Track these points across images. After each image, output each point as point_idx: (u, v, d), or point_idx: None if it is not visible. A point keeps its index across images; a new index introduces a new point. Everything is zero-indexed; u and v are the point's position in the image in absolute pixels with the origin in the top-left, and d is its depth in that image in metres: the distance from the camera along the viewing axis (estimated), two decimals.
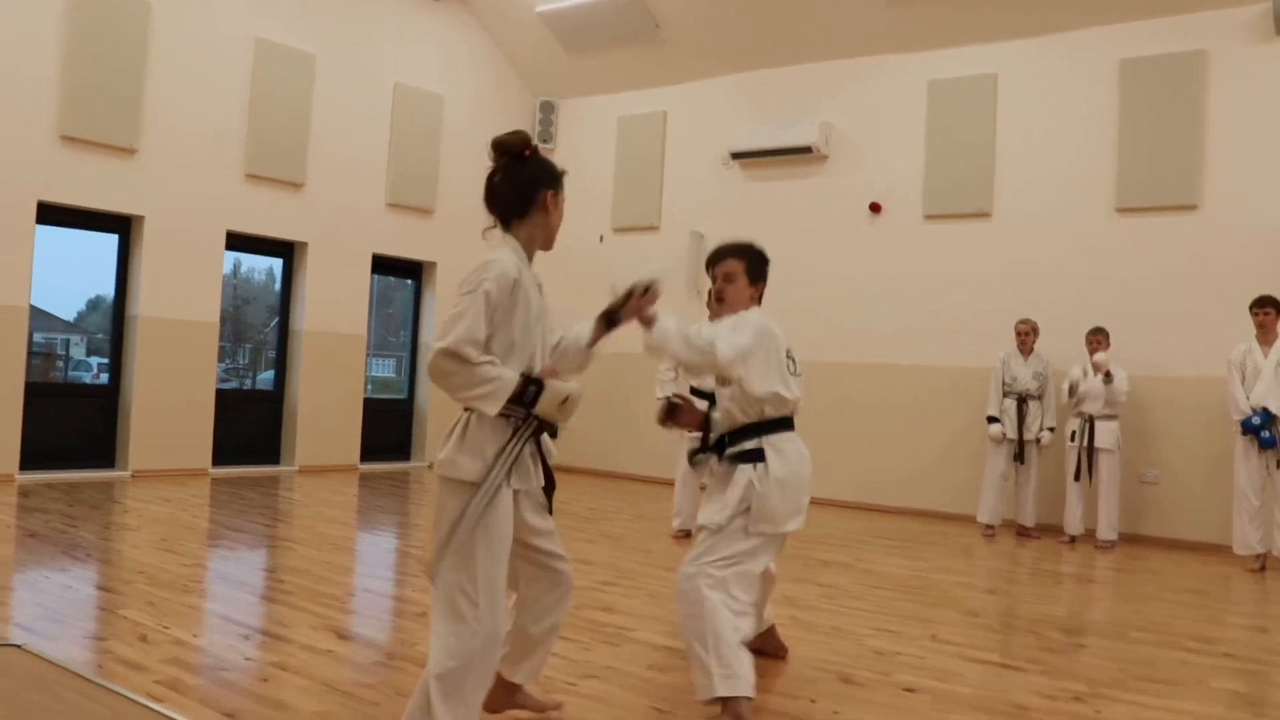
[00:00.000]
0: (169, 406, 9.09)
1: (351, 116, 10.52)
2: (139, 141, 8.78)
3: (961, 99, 9.64)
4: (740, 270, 3.74)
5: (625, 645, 4.40)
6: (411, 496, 9.34)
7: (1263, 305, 7.43)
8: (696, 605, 3.37)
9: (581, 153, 12.24)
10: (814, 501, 10.05)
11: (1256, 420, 7.25)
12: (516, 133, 2.93)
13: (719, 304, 3.79)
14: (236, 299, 10.66)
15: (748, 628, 3.44)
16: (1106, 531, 8.07)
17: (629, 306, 3.10)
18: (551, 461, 2.96)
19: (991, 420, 8.60)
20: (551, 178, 2.94)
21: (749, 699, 3.30)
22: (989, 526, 8.50)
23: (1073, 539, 8.23)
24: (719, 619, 3.32)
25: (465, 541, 2.69)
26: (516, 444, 2.76)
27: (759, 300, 3.77)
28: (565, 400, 2.75)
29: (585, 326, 3.11)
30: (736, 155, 10.77)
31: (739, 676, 3.28)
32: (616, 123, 11.98)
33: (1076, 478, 8.19)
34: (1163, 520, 8.42)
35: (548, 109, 12.51)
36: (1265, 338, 7.43)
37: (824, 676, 4.02)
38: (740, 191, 10.93)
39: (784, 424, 3.63)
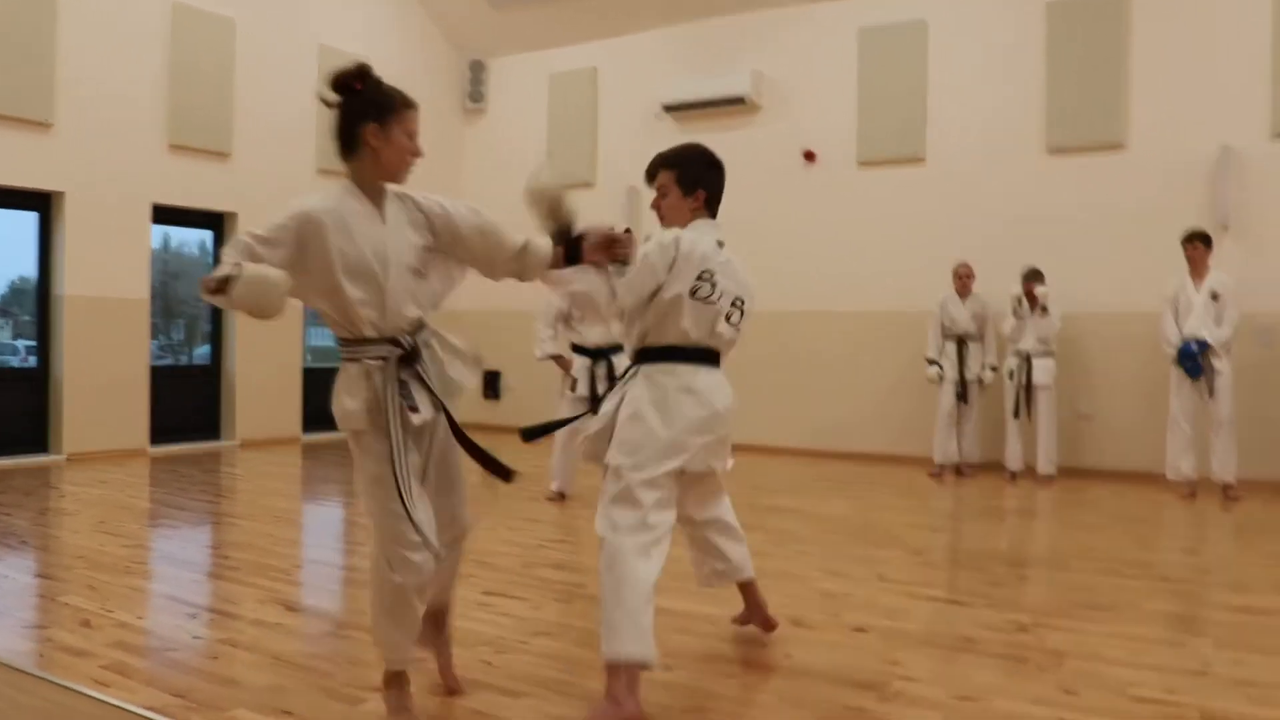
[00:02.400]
0: (102, 386, 8.90)
1: (276, 82, 10.28)
2: (54, 115, 8.51)
3: (892, 45, 9.65)
4: (672, 181, 3.36)
5: (576, 601, 4.41)
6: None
7: (1192, 240, 7.57)
8: (603, 555, 3.09)
9: (513, 111, 12.12)
10: (760, 450, 10.13)
11: (1194, 348, 7.38)
12: (353, 64, 2.89)
13: (660, 223, 3.41)
14: (167, 274, 10.43)
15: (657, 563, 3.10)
16: (1046, 466, 8.24)
17: (599, 245, 3.07)
18: (453, 395, 2.95)
19: (930, 363, 8.71)
20: (377, 110, 2.85)
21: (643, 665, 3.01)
22: (938, 467, 8.62)
23: (1014, 475, 8.39)
24: (615, 570, 3.03)
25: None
26: (385, 386, 2.78)
27: (706, 210, 3.38)
28: (264, 279, 2.53)
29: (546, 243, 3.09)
30: (669, 108, 10.71)
31: (642, 640, 2.97)
32: (548, 80, 11.84)
33: (1016, 415, 8.34)
34: (1099, 452, 8.61)
35: (477, 69, 12.33)
36: (1196, 271, 7.57)
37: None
38: (674, 143, 10.83)
39: (669, 353, 3.22)
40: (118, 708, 3.03)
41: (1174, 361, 7.57)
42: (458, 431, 2.97)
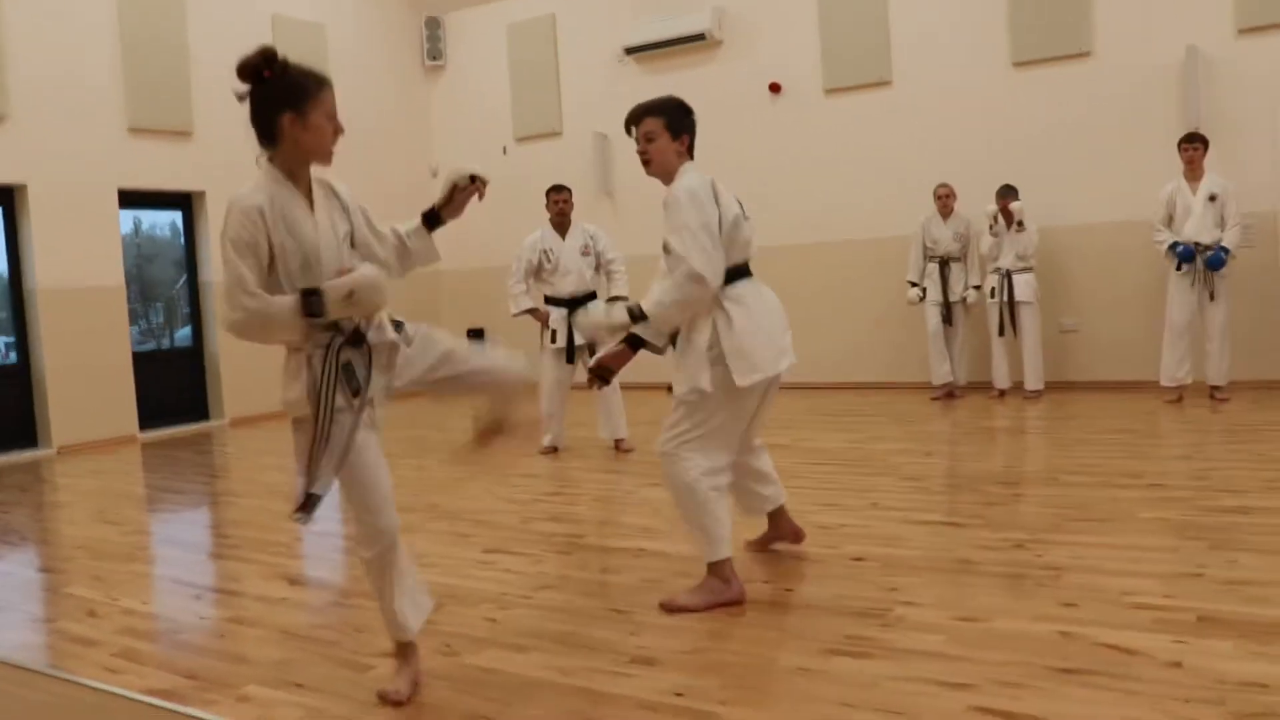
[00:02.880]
0: (85, 377, 8.85)
1: (232, 56, 9.94)
2: (8, 105, 8.36)
3: None
4: (660, 128, 3.61)
5: (576, 553, 4.44)
6: None
7: (1190, 141, 7.49)
8: (675, 481, 3.56)
9: (474, 66, 11.98)
10: None
11: (1187, 247, 7.37)
12: (257, 50, 2.78)
13: (646, 168, 3.66)
14: (141, 257, 10.33)
15: (724, 482, 3.61)
16: (1033, 382, 8.28)
17: (454, 203, 3.18)
18: (397, 380, 2.98)
19: (912, 285, 8.72)
20: (292, 97, 2.75)
21: (728, 558, 3.55)
22: (939, 389, 8.66)
23: (1001, 393, 8.44)
24: (695, 493, 3.51)
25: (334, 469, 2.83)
26: (328, 368, 2.76)
27: (688, 153, 3.67)
28: (350, 294, 2.65)
29: (414, 224, 3.21)
30: (630, 50, 10.59)
31: (718, 540, 3.52)
32: (506, 31, 11.68)
33: (1001, 333, 8.37)
34: (1084, 365, 8.67)
35: (434, 25, 12.15)
36: (1193, 174, 7.52)
37: (773, 556, 4.11)
38: (639, 86, 10.70)
39: (736, 273, 3.57)
40: (123, 697, 3.05)
41: (1174, 257, 7.47)
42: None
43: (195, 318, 10.11)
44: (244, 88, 2.78)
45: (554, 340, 6.97)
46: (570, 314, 6.89)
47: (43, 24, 8.62)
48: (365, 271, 2.72)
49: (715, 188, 3.56)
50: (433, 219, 3.20)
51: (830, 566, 3.95)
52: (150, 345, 10.22)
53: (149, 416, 9.35)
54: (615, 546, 4.51)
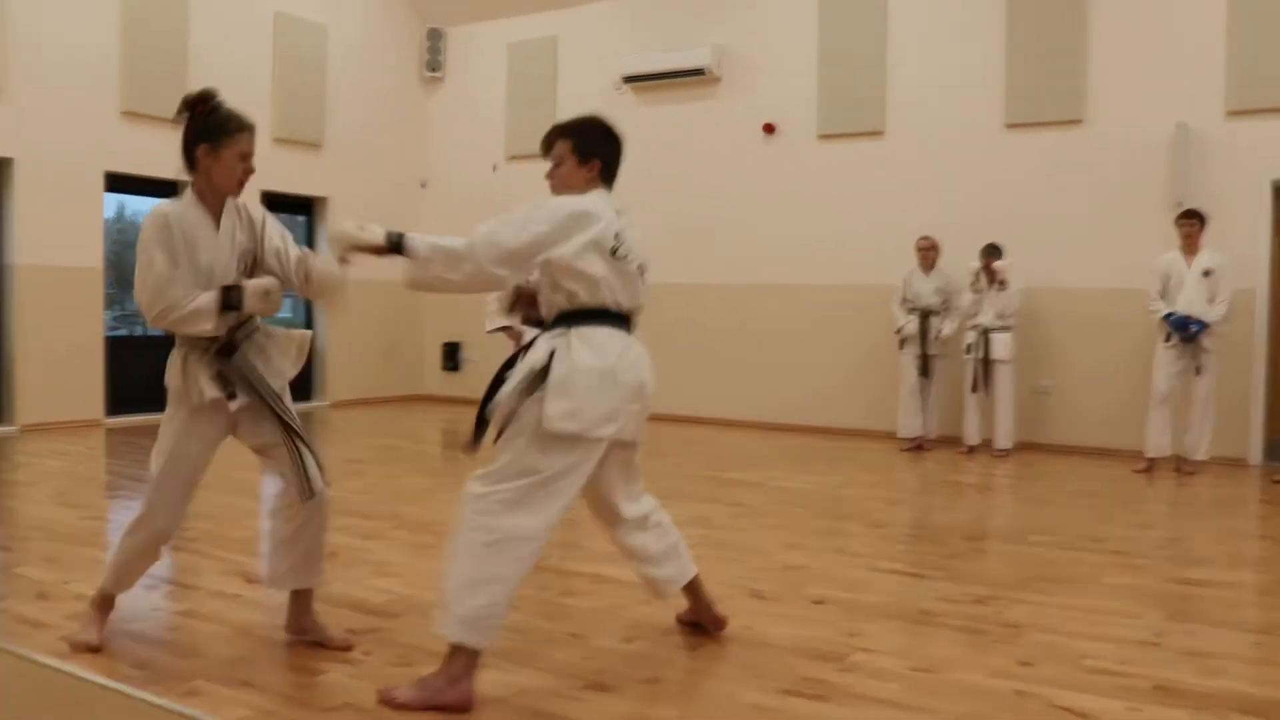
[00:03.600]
0: (55, 357, 8.76)
1: (232, 49, 10.10)
2: (4, 79, 8.32)
3: (852, 18, 9.65)
4: (568, 151, 3.23)
5: (537, 574, 4.38)
6: (317, 434, 9.19)
7: (1189, 218, 7.55)
8: (461, 530, 2.97)
9: (472, 80, 12.02)
10: (722, 423, 10.17)
11: (1176, 316, 7.42)
12: (195, 91, 3.21)
13: (553, 193, 3.24)
14: (121, 243, 10.25)
15: (528, 559, 3.01)
16: (1003, 440, 8.33)
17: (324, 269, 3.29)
18: (278, 378, 3.30)
19: (898, 332, 8.74)
20: (208, 133, 3.13)
21: (475, 651, 2.93)
22: (910, 441, 8.69)
23: (971, 449, 8.48)
24: (469, 548, 2.94)
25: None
26: (191, 364, 3.19)
27: (602, 180, 3.25)
28: (266, 292, 3.18)
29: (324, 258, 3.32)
30: (629, 79, 10.66)
31: (471, 624, 2.90)
32: (506, 49, 11.73)
33: (975, 389, 8.43)
34: (1056, 428, 8.72)
35: (435, 36, 12.19)
36: (1189, 248, 7.57)
37: (734, 593, 4.09)
38: (634, 116, 10.79)
39: (601, 316, 3.10)
40: (78, 678, 3.00)
41: (1166, 328, 7.50)
42: (283, 419, 3.28)
43: None
44: (180, 117, 3.18)
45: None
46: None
47: (46, 1, 8.59)
48: (271, 280, 3.20)
49: (606, 226, 3.06)
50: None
51: (791, 606, 3.95)
52: (123, 331, 10.13)
53: (118, 402, 9.26)
54: (577, 570, 4.48)
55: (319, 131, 11.02)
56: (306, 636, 3.39)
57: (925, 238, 8.76)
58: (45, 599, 3.83)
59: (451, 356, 12.04)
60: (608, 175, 3.28)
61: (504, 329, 7.01)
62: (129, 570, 3.36)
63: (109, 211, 9.55)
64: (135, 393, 9.52)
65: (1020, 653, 3.42)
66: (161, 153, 9.43)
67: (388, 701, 2.87)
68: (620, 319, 3.15)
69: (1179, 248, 7.63)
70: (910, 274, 8.80)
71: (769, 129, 10.07)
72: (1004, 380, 8.33)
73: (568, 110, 11.30)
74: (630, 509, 3.39)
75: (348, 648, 3.34)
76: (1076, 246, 8.59)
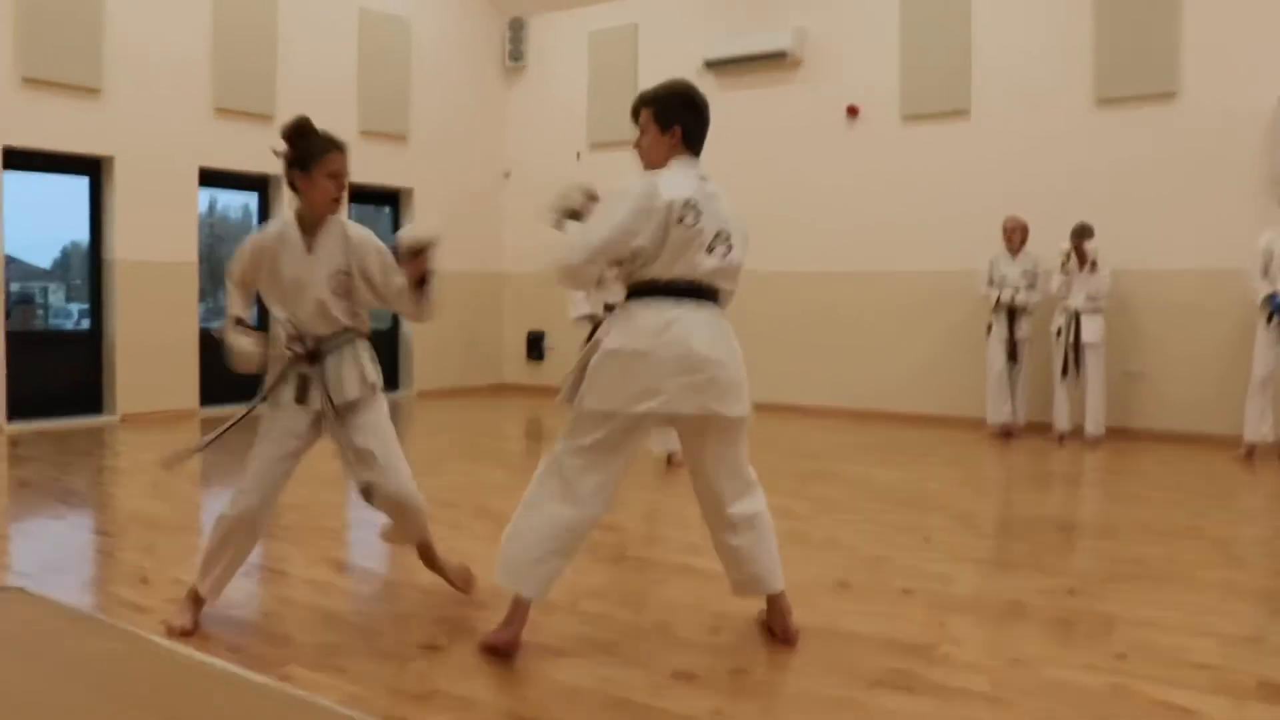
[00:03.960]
0: (153, 349, 9.03)
1: (318, 44, 10.29)
2: (102, 80, 8.58)
3: None
4: (649, 119, 3.27)
5: (622, 565, 4.44)
6: (402, 426, 9.33)
7: None
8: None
9: (554, 70, 12.07)
10: (805, 411, 10.07)
11: None
12: (294, 120, 3.42)
13: (641, 162, 3.34)
14: (213, 237, 10.53)
15: (569, 516, 3.19)
16: (1094, 427, 8.13)
17: (408, 268, 3.40)
18: (339, 394, 3.48)
19: (994, 299, 8.57)
20: (301, 159, 3.38)
21: (527, 598, 3.24)
22: (998, 428, 8.55)
23: (1062, 436, 8.30)
24: (524, 507, 3.29)
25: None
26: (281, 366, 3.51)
27: (685, 147, 3.26)
28: (237, 352, 3.45)
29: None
30: (710, 64, 10.60)
31: (520, 572, 3.21)
32: (587, 37, 11.76)
33: (1065, 374, 8.24)
34: (1149, 413, 8.49)
35: (517, 26, 12.27)
36: None
37: (819, 586, 4.06)
38: (716, 101, 10.46)
39: (652, 289, 3.14)
40: (187, 657, 3.09)
41: (1267, 309, 7.24)
42: (337, 428, 3.54)
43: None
44: (282, 147, 3.40)
45: None
46: None
47: (141, 3, 8.83)
48: (240, 343, 3.44)
49: (678, 199, 3.09)
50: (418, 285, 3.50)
51: (877, 599, 3.90)
52: (216, 323, 10.40)
53: (211, 393, 9.51)
54: (661, 561, 4.49)
55: (403, 124, 11.17)
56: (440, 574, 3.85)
57: (1012, 218, 8.57)
58: (146, 584, 3.96)
59: (535, 346, 12.14)
60: (691, 141, 3.28)
61: (589, 317, 7.05)
62: (211, 559, 3.48)
63: (202, 206, 9.79)
64: (227, 384, 9.76)
65: (1114, 647, 3.34)
66: (252, 148, 9.71)
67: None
68: (677, 290, 3.14)
69: None
70: (996, 257, 8.62)
71: (852, 112, 9.94)
72: (1094, 365, 8.12)
73: None
74: (734, 506, 3.32)
75: (466, 588, 3.81)
76: (1170, 226, 8.33)
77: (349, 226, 3.50)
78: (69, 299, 9.67)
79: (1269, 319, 7.26)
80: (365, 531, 5.15)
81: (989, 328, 8.60)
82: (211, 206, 10.45)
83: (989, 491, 6.48)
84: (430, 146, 11.39)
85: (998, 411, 8.53)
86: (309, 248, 3.43)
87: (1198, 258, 8.14)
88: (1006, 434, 8.51)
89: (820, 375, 9.94)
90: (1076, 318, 8.13)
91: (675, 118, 3.26)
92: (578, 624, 3.55)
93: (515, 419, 10.01)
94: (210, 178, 9.62)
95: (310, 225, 3.45)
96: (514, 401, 11.24)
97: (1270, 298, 7.21)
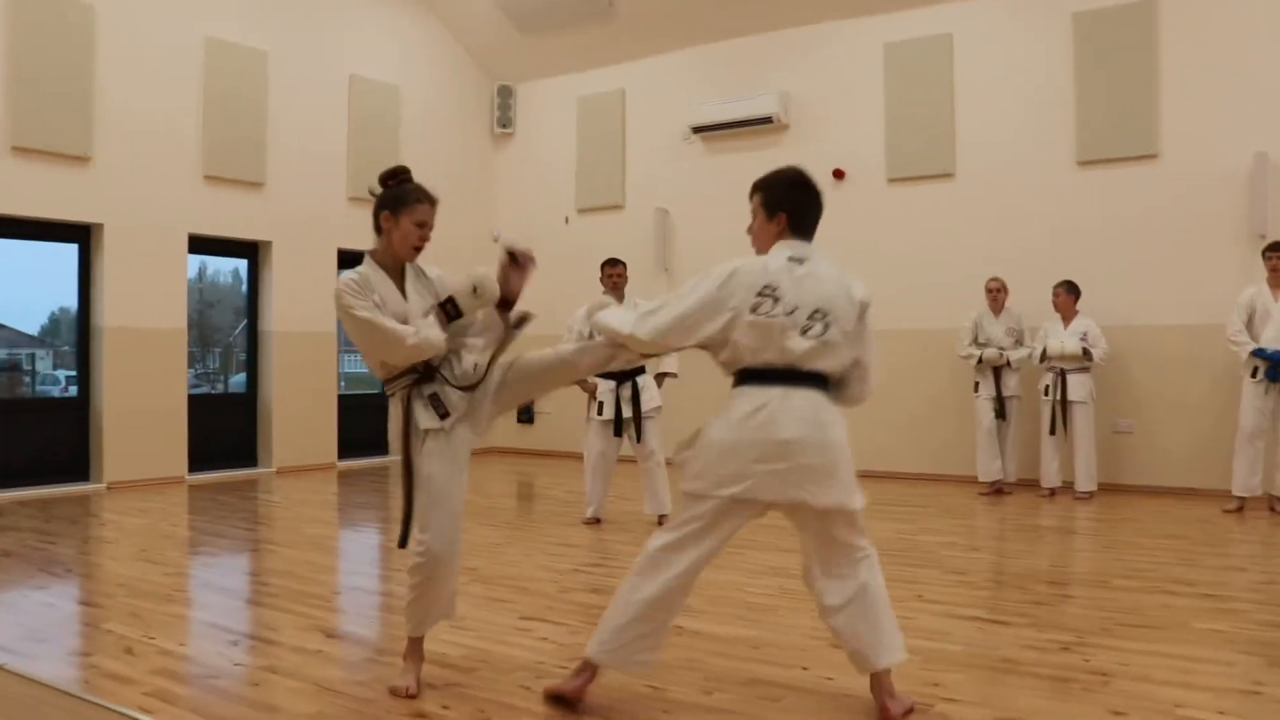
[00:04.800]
0: (141, 416, 9.00)
1: (308, 112, 10.40)
2: (92, 148, 8.65)
3: (918, 60, 9.65)
4: (757, 205, 3.38)
5: None
6: (391, 490, 9.29)
7: (1276, 250, 7.40)
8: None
9: (542, 135, 12.21)
10: None
11: (1270, 351, 7.24)
12: (395, 166, 3.57)
13: (753, 247, 3.42)
14: (203, 302, 10.55)
15: (653, 591, 3.18)
16: (1085, 483, 8.14)
17: (504, 278, 3.55)
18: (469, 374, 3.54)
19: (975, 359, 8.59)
20: (393, 202, 3.48)
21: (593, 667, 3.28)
22: (988, 485, 8.54)
23: (1051, 491, 8.29)
24: (625, 585, 3.27)
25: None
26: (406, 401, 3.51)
27: (792, 231, 3.31)
28: (473, 288, 3.42)
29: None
30: (697, 129, 10.75)
31: (604, 643, 3.24)
32: (576, 103, 11.92)
33: (1052, 431, 8.26)
34: (1139, 468, 8.51)
35: (505, 93, 12.43)
36: (1276, 281, 7.39)
37: (814, 644, 4.03)
38: (703, 165, 10.91)
39: (745, 375, 3.20)
40: None
41: (1254, 362, 7.31)
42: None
43: (251, 364, 10.26)
44: (378, 189, 3.54)
45: (600, 412, 7.01)
46: (619, 387, 6.94)
47: (132, 71, 8.95)
48: (477, 270, 3.43)
49: (749, 277, 3.17)
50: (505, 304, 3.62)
51: None
52: (205, 389, 10.39)
53: (198, 459, 9.47)
54: None
55: None
56: None
57: (994, 279, 8.65)
58: (131, 654, 3.91)
59: (526, 409, 12.12)
60: (798, 226, 3.33)
61: (578, 381, 7.02)
62: (418, 606, 3.51)
63: (190, 272, 9.83)
64: (216, 449, 9.75)
65: (1111, 701, 3.31)
66: (241, 214, 9.78)
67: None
68: (768, 376, 3.16)
69: (1266, 281, 7.43)
70: (980, 315, 8.68)
71: (838, 175, 10.06)
72: (1082, 421, 8.15)
73: (637, 162, 11.53)
74: (832, 590, 3.27)
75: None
76: (1153, 283, 8.42)
77: (426, 266, 3.64)
78: (56, 365, 9.65)
79: (1253, 373, 7.31)
80: (355, 597, 5.12)
81: (976, 385, 8.63)
82: (202, 272, 10.48)
83: (981, 546, 6.46)
84: None
85: (988, 468, 8.53)
86: (401, 290, 3.51)
87: (1182, 313, 8.21)
88: (998, 490, 8.50)
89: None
90: (1063, 375, 8.16)
91: (780, 203, 3.33)
92: None
93: (506, 480, 9.97)
94: (200, 244, 9.66)
95: (391, 271, 3.53)
96: (504, 464, 11.20)
97: (1259, 353, 7.27)
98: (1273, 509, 7.33)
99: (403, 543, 3.50)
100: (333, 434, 10.66)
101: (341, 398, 10.90)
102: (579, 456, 11.53)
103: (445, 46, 12.05)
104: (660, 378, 7.22)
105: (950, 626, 4.32)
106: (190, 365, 9.81)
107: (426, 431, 3.45)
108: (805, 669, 3.73)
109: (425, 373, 3.45)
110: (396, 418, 3.53)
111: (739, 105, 10.46)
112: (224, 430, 9.95)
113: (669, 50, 11.20)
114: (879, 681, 3.25)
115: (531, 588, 5.08)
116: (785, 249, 3.28)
